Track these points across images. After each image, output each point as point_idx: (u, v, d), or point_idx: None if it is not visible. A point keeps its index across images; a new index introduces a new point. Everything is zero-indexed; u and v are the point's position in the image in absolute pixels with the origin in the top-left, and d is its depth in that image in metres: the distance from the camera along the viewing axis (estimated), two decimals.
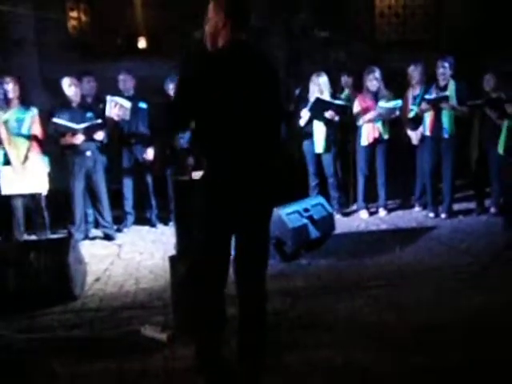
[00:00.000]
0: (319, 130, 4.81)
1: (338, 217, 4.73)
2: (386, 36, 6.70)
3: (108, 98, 4.40)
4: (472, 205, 4.84)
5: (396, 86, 5.00)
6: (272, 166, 2.01)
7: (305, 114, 4.79)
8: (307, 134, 4.88)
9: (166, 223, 4.90)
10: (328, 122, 4.77)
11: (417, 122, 4.75)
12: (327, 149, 4.83)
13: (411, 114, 4.81)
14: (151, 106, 4.76)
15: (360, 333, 2.50)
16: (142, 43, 8.08)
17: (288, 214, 3.74)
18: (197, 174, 2.55)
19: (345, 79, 5.26)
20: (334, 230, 4.18)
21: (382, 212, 4.95)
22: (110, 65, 5.43)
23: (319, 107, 4.71)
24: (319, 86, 4.74)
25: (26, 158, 4.10)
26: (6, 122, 4.02)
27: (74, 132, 4.22)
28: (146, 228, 4.87)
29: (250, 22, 2.00)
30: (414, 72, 4.83)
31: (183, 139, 4.54)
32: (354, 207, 5.14)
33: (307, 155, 4.96)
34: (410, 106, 4.82)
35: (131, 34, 7.82)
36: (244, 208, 1.95)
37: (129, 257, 4.10)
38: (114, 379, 2.19)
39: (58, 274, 3.05)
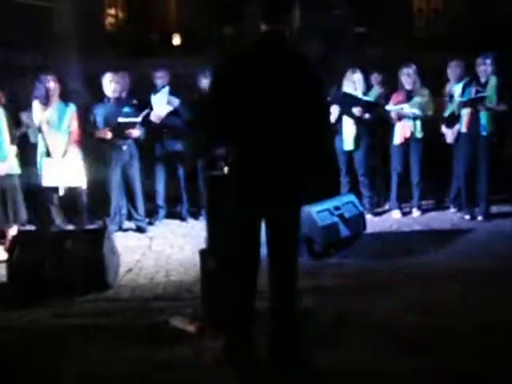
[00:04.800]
0: (348, 127, 4.76)
1: (369, 216, 4.67)
2: (424, 33, 6.53)
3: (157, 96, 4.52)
4: (510, 208, 4.66)
5: (432, 84, 4.88)
6: (305, 160, 2.01)
7: (334, 110, 4.75)
8: (337, 131, 4.84)
9: (196, 217, 4.97)
10: (357, 119, 4.71)
11: (453, 120, 4.62)
12: (356, 146, 4.78)
13: (447, 112, 4.69)
14: (184, 101, 4.84)
15: (390, 335, 2.46)
16: (176, 40, 8.21)
17: (318, 212, 3.73)
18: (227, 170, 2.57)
19: (375, 77, 5.16)
20: (364, 230, 4.13)
21: (416, 212, 4.84)
22: (145, 61, 5.54)
23: (346, 102, 4.66)
24: (353, 83, 4.69)
25: (65, 152, 4.24)
26: (47, 118, 4.18)
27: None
28: (177, 222, 4.96)
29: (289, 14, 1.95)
30: (455, 69, 4.69)
31: None
32: (387, 207, 5.06)
33: (338, 152, 4.92)
34: (447, 104, 4.70)
35: (166, 31, 7.95)
36: (272, 200, 1.96)
37: (160, 249, 4.18)
38: (144, 367, 2.25)
39: (93, 263, 3.16)
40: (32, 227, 4.36)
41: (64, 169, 4.14)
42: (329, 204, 3.87)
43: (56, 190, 4.25)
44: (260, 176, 1.95)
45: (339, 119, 4.78)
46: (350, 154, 4.85)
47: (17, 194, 3.98)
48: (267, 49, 1.95)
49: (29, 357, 2.36)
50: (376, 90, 5.09)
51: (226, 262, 2.10)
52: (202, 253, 2.66)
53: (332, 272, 3.44)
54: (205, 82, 4.56)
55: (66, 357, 2.35)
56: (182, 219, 4.97)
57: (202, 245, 2.97)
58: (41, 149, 4.22)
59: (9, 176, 3.93)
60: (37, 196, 4.28)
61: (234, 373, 2.06)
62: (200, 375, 2.14)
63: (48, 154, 4.18)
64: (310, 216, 3.70)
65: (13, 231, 3.84)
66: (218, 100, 1.95)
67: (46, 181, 4.08)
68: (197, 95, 4.71)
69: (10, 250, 3.21)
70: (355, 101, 4.65)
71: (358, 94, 4.69)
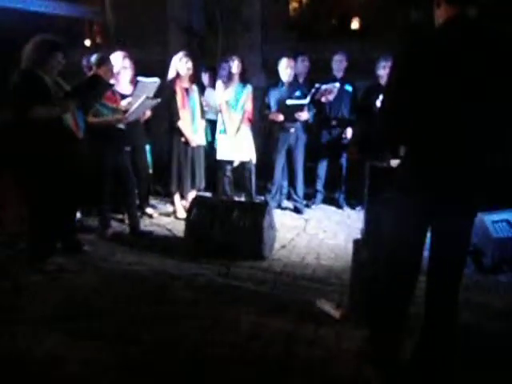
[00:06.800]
0: None
1: None
2: None
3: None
4: None
5: None
6: (492, 166, 1.80)
7: None
8: None
9: (352, 207, 4.94)
10: None
11: None
12: None
13: None
14: (356, 89, 4.80)
15: None
16: (355, 24, 8.07)
17: (494, 222, 3.32)
18: (395, 162, 2.48)
19: None
20: None
21: None
22: (323, 45, 5.61)
23: None
24: None
25: (238, 128, 4.65)
26: (227, 97, 4.61)
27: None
28: (333, 208, 5.00)
29: None
30: None
31: None
32: None
33: None
34: None
35: (345, 14, 7.86)
36: (444, 205, 1.82)
37: (313, 232, 4.30)
38: (286, 340, 2.38)
39: (253, 234, 3.45)
40: (208, 194, 4.94)
41: (236, 144, 4.59)
42: (509, 215, 3.40)
43: (230, 162, 4.73)
44: (437, 177, 1.77)
45: None
46: None
47: (201, 163, 4.56)
48: (453, 33, 1.75)
49: (191, 303, 2.75)
50: None
51: (384, 259, 2.04)
52: (357, 242, 2.65)
53: (501, 291, 3.05)
54: (383, 69, 4.43)
55: (218, 311, 2.66)
56: (339, 206, 4.99)
57: (356, 234, 2.97)
58: (219, 126, 4.69)
59: (198, 147, 4.51)
60: (213, 167, 4.82)
61: (372, 367, 2.04)
62: (339, 358, 2.19)
63: (224, 131, 4.64)
64: (484, 225, 3.32)
65: (192, 194, 4.42)
66: (400, 89, 1.81)
67: (220, 154, 4.59)
68: (374, 82, 4.62)
69: (189, 211, 3.72)
70: None
71: None
